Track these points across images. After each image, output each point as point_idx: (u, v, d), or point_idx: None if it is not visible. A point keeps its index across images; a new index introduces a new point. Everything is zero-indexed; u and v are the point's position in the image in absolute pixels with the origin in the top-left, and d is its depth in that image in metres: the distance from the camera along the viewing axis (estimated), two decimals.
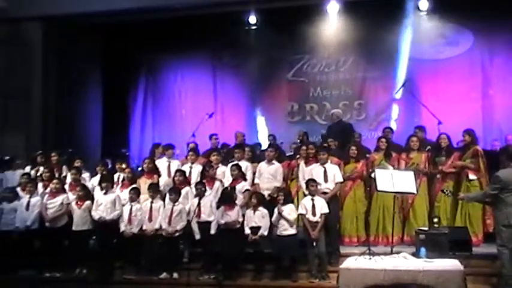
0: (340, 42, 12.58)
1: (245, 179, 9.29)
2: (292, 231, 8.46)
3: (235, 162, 9.47)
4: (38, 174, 10.15)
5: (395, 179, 7.82)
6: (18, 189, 9.80)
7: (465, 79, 12.52)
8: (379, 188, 7.97)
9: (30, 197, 9.42)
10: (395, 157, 9.57)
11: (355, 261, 7.17)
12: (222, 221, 8.62)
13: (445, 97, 12.28)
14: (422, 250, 7.30)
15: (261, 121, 13.29)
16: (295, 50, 13.48)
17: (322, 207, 8.49)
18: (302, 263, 8.56)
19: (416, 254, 7.38)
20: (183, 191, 9.11)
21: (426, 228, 8.30)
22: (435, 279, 6.32)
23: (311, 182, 8.64)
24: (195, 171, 9.76)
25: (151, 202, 9.06)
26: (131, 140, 14.25)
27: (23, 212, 9.36)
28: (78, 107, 13.09)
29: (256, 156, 10.25)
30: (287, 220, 8.43)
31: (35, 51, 12.45)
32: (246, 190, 9.09)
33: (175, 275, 8.76)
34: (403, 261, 6.94)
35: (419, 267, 6.54)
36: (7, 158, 10.62)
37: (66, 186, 9.67)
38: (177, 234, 8.85)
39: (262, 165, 9.47)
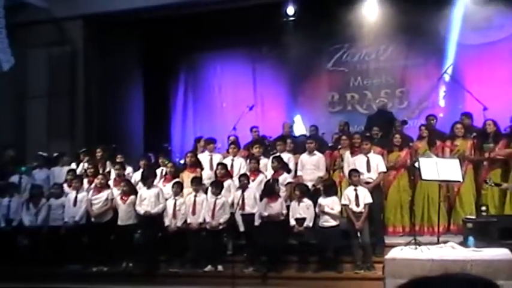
0: (380, 30, 12.33)
1: (288, 171, 9.25)
2: (334, 222, 8.40)
3: (277, 154, 9.44)
4: (83, 170, 10.33)
5: (440, 168, 7.65)
6: (65, 185, 10.00)
7: (510, 63, 12.16)
8: (423, 177, 7.82)
9: (77, 193, 9.60)
10: (439, 145, 9.41)
11: (400, 252, 7.06)
12: (265, 213, 8.61)
13: (490, 82, 11.95)
14: (471, 239, 7.14)
15: (298, 118, 13.08)
16: (335, 40, 13.29)
17: (365, 197, 8.41)
18: (346, 254, 8.49)
19: (464, 244, 7.22)
20: (225, 184, 9.13)
21: (474, 217, 8.11)
22: (485, 269, 6.16)
23: (353, 173, 8.57)
24: (236, 164, 9.77)
25: (195, 196, 9.11)
26: (173, 134, 14.36)
27: (70, 208, 9.55)
28: (120, 103, 13.26)
29: (300, 147, 10.17)
30: (329, 214, 8.37)
31: (77, 49, 12.65)
32: (289, 183, 9.06)
33: (219, 267, 8.81)
34: (451, 251, 6.81)
35: (468, 257, 6.40)
36: (56, 154, 10.81)
37: (111, 182, 9.81)
38: (220, 227, 8.89)
39: (304, 156, 9.43)
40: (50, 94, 12.62)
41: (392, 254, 7.00)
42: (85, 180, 9.93)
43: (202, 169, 9.72)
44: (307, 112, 13.31)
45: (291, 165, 9.46)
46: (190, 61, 14.71)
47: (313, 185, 9.06)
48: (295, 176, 9.39)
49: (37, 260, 9.26)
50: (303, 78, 13.62)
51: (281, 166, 9.18)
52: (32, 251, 9.49)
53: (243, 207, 8.81)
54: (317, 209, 8.44)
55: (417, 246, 7.16)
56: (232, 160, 9.81)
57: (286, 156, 9.49)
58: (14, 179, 10.42)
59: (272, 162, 9.18)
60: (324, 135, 11.43)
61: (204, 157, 10.02)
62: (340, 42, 13.34)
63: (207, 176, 9.72)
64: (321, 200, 8.44)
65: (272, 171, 9.19)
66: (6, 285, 6.91)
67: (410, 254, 6.91)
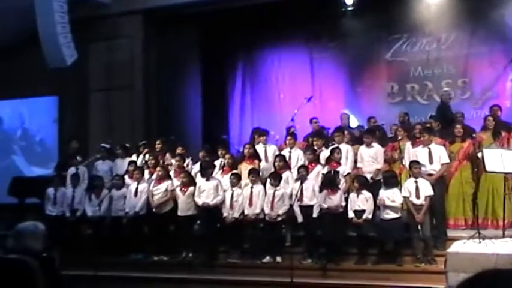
0: (442, 18, 12.00)
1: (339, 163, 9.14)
2: (395, 214, 8.27)
3: (335, 146, 9.36)
4: (144, 162, 10.52)
5: (505, 159, 7.43)
6: (126, 176, 10.21)
7: None
8: (487, 169, 7.61)
9: (138, 184, 9.78)
10: (504, 136, 9.11)
11: (463, 245, 6.91)
12: (325, 206, 8.55)
13: None
14: None
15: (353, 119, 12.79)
16: (394, 29, 12.97)
17: (426, 189, 8.23)
18: (407, 246, 8.35)
19: None
20: (283, 176, 9.12)
21: None
22: None
23: (414, 164, 8.41)
24: (294, 155, 9.73)
25: (252, 187, 9.13)
26: (230, 125, 14.42)
27: (131, 198, 9.73)
28: (178, 96, 13.44)
29: (358, 139, 10.05)
30: (390, 207, 8.24)
31: (136, 43, 12.86)
32: (348, 174, 8.98)
33: (278, 258, 8.81)
34: None
35: None
36: (118, 146, 11.02)
37: (171, 173, 9.94)
38: (279, 218, 8.88)
39: (362, 149, 9.32)
40: (111, 87, 12.89)
41: (455, 247, 6.85)
42: (146, 172, 10.12)
43: (260, 160, 9.75)
44: (366, 103, 13.12)
45: (350, 157, 9.36)
46: (248, 52, 14.67)
47: (371, 178, 8.94)
48: (355, 167, 9.28)
49: (100, 249, 9.49)
50: (362, 69, 13.38)
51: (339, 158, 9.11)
52: (96, 240, 9.75)
53: (301, 199, 8.77)
54: (378, 202, 8.33)
55: (481, 240, 6.97)
56: (290, 152, 9.78)
57: (345, 148, 9.40)
58: (71, 170, 10.67)
59: (331, 153, 9.09)
60: (383, 126, 11.23)
61: (259, 148, 10.03)
62: (399, 31, 13.01)
63: (263, 167, 9.73)
64: (382, 192, 8.31)
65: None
66: (72, 273, 7.15)
67: (474, 247, 6.75)
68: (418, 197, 8.22)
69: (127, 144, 11.16)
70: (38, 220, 4.73)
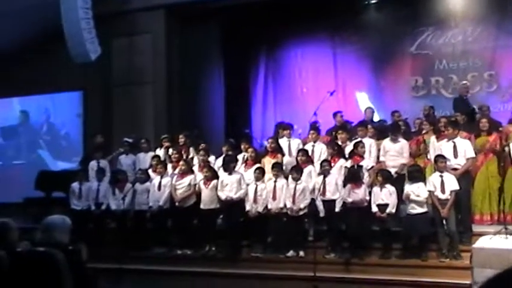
0: (468, 10, 11.85)
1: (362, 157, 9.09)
2: (421, 209, 8.20)
3: (358, 140, 9.31)
4: (167, 155, 10.56)
5: None
6: (150, 170, 10.26)
7: None
8: None
9: (161, 178, 9.81)
10: None
11: (489, 241, 6.83)
12: (349, 199, 8.51)
13: None
14: None
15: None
16: (418, 22, 12.82)
17: (451, 184, 8.14)
18: (431, 241, 8.27)
19: None
20: (306, 170, 9.09)
21: None
22: None
23: (440, 158, 8.31)
24: (317, 149, 9.70)
25: (275, 181, 9.12)
26: (253, 119, 14.40)
27: (155, 192, 9.77)
28: (201, 90, 13.46)
29: (381, 132, 9.96)
30: (416, 202, 8.18)
31: (159, 38, 12.91)
32: (371, 167, 8.92)
33: (301, 253, 8.80)
34: None
35: None
36: (144, 140, 11.09)
37: (195, 168, 9.97)
38: (301, 212, 8.87)
39: (387, 142, 9.24)
40: (134, 82, 12.96)
41: (481, 243, 6.78)
42: (169, 166, 10.16)
43: (283, 155, 9.73)
44: (390, 97, 13.01)
45: (373, 151, 9.30)
46: (271, 47, 14.61)
47: (396, 172, 8.88)
48: (378, 161, 9.22)
49: (124, 242, 9.56)
50: (386, 63, 13.25)
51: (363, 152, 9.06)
52: (119, 233, 9.83)
53: (323, 193, 8.74)
54: (403, 196, 8.26)
55: (507, 236, 6.88)
56: (313, 146, 9.75)
57: (368, 142, 9.34)
58: (93, 165, 10.74)
59: (355, 147, 9.04)
60: (407, 119, 11.12)
61: (282, 142, 10.01)
62: (424, 24, 12.85)
63: (286, 161, 9.71)
64: (407, 187, 8.24)
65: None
66: (96, 265, 7.22)
67: (500, 243, 6.67)
68: (443, 191, 8.13)
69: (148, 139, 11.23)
70: (64, 214, 4.80)
